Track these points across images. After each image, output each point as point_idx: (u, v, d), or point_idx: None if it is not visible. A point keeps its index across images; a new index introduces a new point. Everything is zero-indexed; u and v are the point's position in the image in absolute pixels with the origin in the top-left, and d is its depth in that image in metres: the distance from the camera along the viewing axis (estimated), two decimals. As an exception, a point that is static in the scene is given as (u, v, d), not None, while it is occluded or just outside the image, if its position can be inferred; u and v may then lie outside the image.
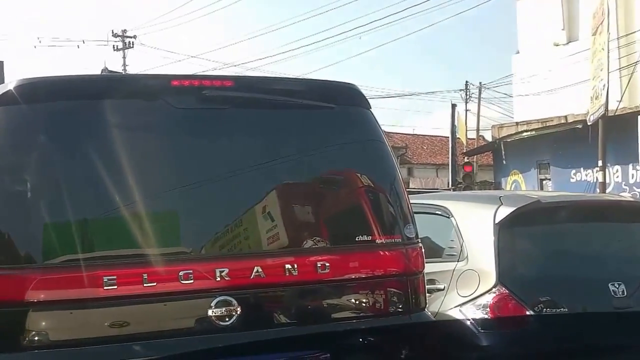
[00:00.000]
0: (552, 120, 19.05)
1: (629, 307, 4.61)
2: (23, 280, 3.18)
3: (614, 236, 5.25)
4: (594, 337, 4.63)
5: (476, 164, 32.42)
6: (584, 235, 5.12)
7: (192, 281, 3.33)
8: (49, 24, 75.62)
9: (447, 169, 33.66)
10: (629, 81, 17.04)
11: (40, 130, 3.39)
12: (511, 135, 20.92)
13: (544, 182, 20.50)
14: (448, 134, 33.50)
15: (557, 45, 20.52)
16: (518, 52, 22.90)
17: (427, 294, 4.11)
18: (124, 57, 39.52)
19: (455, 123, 32.43)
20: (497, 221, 4.72)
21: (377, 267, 3.76)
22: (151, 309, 3.35)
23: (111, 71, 37.32)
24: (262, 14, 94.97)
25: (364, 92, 4.01)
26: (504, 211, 4.77)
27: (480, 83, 38.60)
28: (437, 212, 5.30)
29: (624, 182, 17.54)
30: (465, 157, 30.36)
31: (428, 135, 52.92)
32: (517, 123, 21.82)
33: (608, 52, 14.55)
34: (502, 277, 4.55)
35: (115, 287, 3.22)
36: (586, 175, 18.55)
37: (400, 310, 3.80)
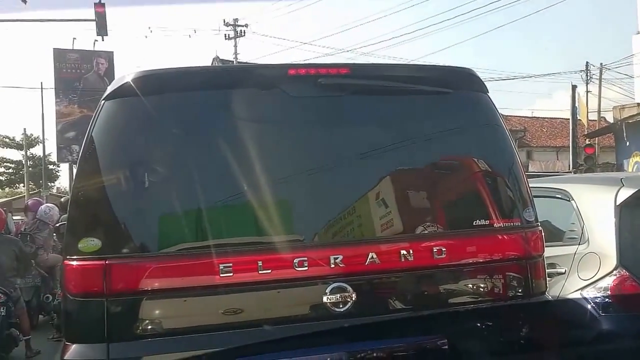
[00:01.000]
0: (674, 100, 18.16)
1: None
2: (139, 268, 3.27)
3: None
4: None
5: (598, 145, 31.26)
6: None
7: (306, 268, 3.36)
8: (160, 14, 77.40)
9: (568, 152, 32.63)
10: None
11: (157, 122, 3.49)
12: (633, 116, 20.13)
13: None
14: (568, 115, 32.54)
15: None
16: (639, 32, 21.89)
17: (548, 278, 4.05)
18: (235, 46, 40.29)
19: (576, 105, 31.47)
20: (618, 203, 4.65)
21: (496, 251, 3.70)
22: (266, 296, 3.39)
23: (223, 60, 38.21)
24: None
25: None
26: (625, 193, 4.69)
27: (601, 64, 37.09)
28: (557, 195, 5.25)
29: None
30: (587, 139, 29.44)
31: (547, 118, 51.51)
32: (638, 104, 21.03)
33: None
34: (623, 259, 4.48)
35: (231, 274, 3.29)
36: None
37: (519, 294, 3.73)
